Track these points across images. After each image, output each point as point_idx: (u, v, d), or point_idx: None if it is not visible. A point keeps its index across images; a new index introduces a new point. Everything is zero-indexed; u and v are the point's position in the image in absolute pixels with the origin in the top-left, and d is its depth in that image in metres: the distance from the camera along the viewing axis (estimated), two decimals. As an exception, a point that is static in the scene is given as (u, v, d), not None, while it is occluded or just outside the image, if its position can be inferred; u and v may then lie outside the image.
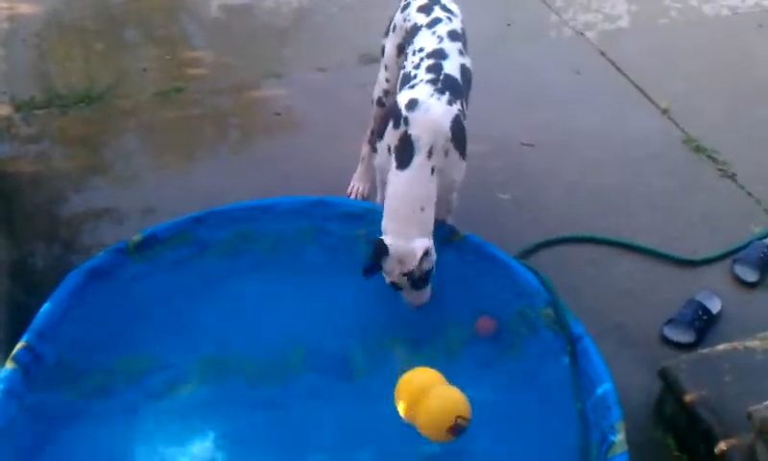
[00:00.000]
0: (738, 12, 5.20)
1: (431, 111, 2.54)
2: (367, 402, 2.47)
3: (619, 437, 2.20)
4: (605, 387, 2.34)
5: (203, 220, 2.89)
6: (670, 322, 2.86)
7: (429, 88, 2.60)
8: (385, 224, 2.51)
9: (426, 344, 2.66)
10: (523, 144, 3.74)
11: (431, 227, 2.52)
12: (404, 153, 2.51)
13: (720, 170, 3.68)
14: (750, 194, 3.55)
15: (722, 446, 2.27)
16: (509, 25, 4.80)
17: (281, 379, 2.53)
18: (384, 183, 2.65)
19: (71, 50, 4.33)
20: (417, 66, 2.70)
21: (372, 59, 4.26)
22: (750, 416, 2.13)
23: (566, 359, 2.51)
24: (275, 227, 2.95)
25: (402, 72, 2.80)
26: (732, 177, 3.64)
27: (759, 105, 4.21)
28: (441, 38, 2.76)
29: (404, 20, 2.92)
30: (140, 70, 4.18)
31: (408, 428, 2.36)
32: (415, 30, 2.83)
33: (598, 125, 3.95)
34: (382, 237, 2.48)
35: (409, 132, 2.51)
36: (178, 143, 3.70)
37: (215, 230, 2.90)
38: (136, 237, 2.78)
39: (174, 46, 4.44)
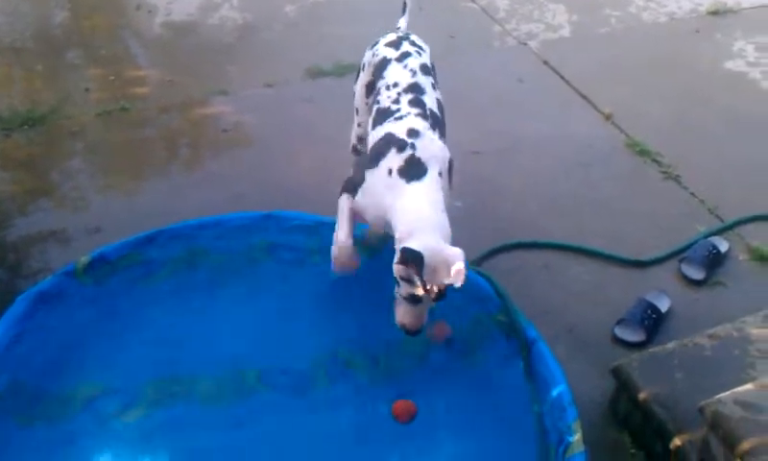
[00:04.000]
0: (675, 18, 5.33)
1: (435, 141, 2.52)
2: (324, 417, 2.46)
3: (576, 437, 2.23)
4: (559, 389, 2.38)
5: (153, 239, 2.85)
6: (621, 322, 2.90)
7: (423, 121, 2.55)
8: (406, 231, 2.30)
9: (382, 353, 2.65)
10: (473, 152, 3.78)
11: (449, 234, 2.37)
12: (414, 169, 2.42)
13: (664, 172, 3.76)
14: (693, 195, 3.62)
15: (676, 441, 2.30)
16: (452, 37, 4.85)
17: (237, 398, 2.50)
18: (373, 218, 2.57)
19: (12, 71, 4.26)
20: (396, 101, 2.63)
21: (319, 73, 4.29)
22: (702, 410, 2.17)
23: (521, 364, 2.54)
24: (226, 243, 2.93)
25: (377, 107, 2.70)
26: (677, 178, 3.72)
27: (699, 107, 4.32)
28: (414, 72, 2.71)
29: (373, 56, 2.87)
30: (83, 91, 4.12)
31: (366, 439, 2.37)
32: (384, 63, 2.78)
33: (544, 132, 4.01)
34: (408, 245, 2.24)
35: (417, 155, 2.43)
36: (124, 163, 3.65)
37: (165, 249, 2.86)
38: (84, 259, 2.74)
39: (117, 66, 4.39)
